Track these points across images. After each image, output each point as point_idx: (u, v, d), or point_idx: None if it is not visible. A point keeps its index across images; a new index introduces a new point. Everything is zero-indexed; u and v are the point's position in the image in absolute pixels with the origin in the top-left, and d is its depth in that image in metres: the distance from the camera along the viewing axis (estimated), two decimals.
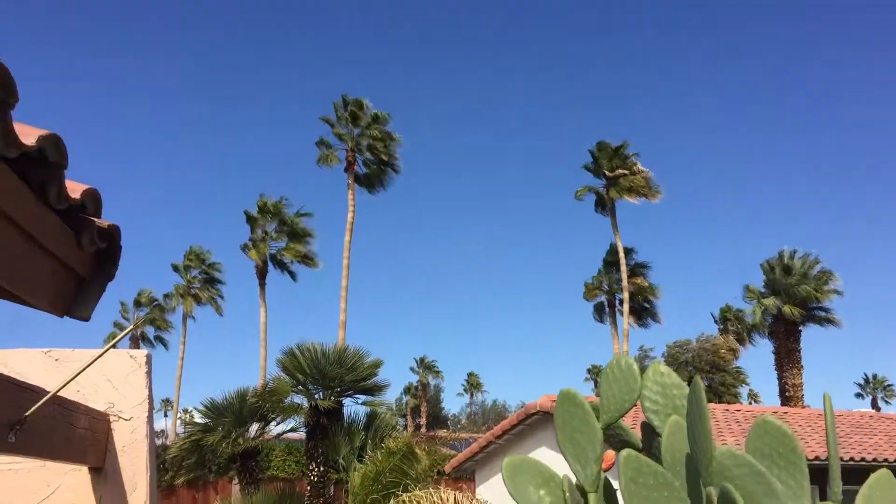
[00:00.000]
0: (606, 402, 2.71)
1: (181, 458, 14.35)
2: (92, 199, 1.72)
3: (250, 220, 36.74)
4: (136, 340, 42.56)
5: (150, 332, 43.58)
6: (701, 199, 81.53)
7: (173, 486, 21.11)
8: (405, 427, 61.86)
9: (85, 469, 4.78)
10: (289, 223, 35.95)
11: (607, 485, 2.93)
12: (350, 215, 34.77)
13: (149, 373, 5.06)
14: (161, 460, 19.04)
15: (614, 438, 3.06)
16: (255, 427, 14.20)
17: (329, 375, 12.99)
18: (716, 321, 46.45)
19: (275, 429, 14.58)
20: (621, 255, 37.22)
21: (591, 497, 2.66)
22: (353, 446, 12.74)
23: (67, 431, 3.97)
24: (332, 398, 13.23)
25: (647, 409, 2.77)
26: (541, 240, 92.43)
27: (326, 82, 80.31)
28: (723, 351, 42.54)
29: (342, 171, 35.56)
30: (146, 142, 77.40)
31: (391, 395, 73.30)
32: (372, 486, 11.18)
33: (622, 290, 37.31)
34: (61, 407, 3.90)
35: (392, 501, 10.49)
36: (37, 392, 3.38)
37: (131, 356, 5.02)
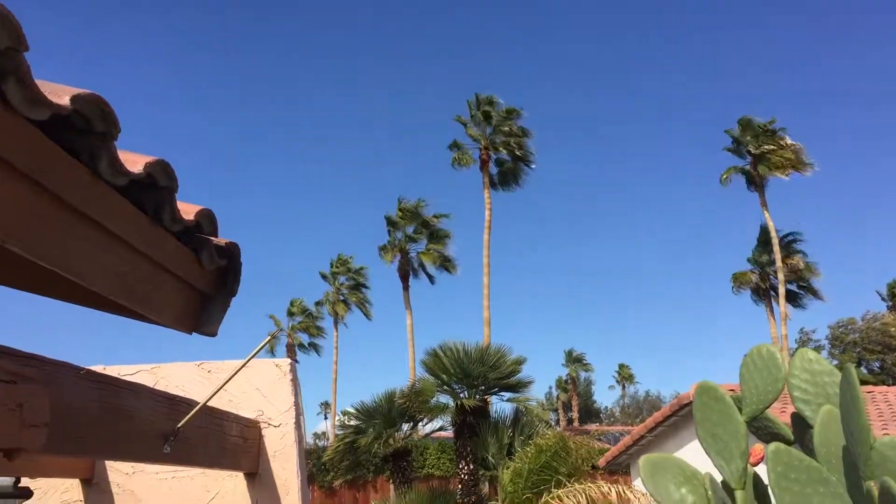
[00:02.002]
0: (748, 393, 2.55)
1: (338, 460, 14.87)
2: (207, 219, 1.78)
3: (390, 223, 37.57)
4: (293, 348, 44.63)
5: (305, 339, 45.65)
6: (856, 168, 76.26)
7: (333, 487, 21.92)
8: (557, 422, 61.49)
9: (241, 475, 5.03)
10: (428, 225, 36.49)
11: (757, 481, 2.76)
12: (487, 213, 34.89)
13: (294, 380, 5.25)
14: (321, 462, 19.85)
15: (763, 431, 2.89)
16: (405, 427, 14.55)
17: (472, 374, 13.10)
18: (883, 298, 43.33)
19: (424, 428, 14.84)
20: (773, 234, 35.35)
21: (738, 494, 2.52)
22: (501, 443, 12.78)
23: (220, 440, 4.18)
24: (477, 397, 13.33)
25: (797, 398, 2.59)
26: (688, 225, 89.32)
27: (453, 79, 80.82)
28: (893, 329, 39.58)
29: (477, 170, 35.71)
30: (283, 151, 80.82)
31: (540, 391, 73.12)
32: (523, 483, 11.16)
33: (776, 272, 35.42)
34: (212, 417, 4.11)
35: (545, 497, 10.45)
36: (188, 404, 3.57)
37: (277, 365, 5.23)
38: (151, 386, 5.29)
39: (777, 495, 2.29)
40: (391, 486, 14.71)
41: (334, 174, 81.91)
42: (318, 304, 45.24)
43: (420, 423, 14.67)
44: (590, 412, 67.95)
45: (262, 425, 5.12)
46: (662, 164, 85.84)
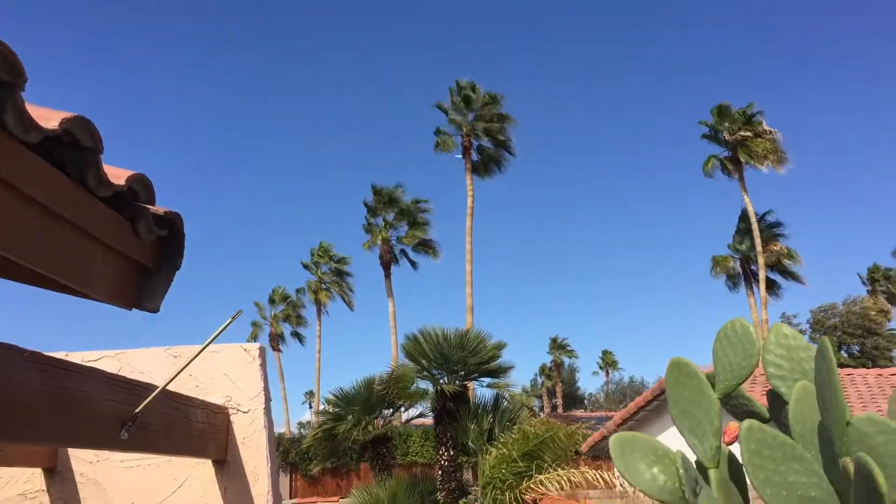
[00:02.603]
0: (722, 369, 2.48)
1: (317, 447, 14.78)
2: (141, 185, 1.67)
3: (369, 209, 37.48)
4: (275, 338, 44.51)
5: (287, 328, 45.49)
6: (836, 156, 76.77)
7: (314, 475, 21.80)
8: (541, 408, 61.71)
9: (209, 462, 4.92)
10: (408, 211, 36.42)
11: (731, 459, 2.70)
12: (470, 200, 34.88)
13: (263, 365, 5.14)
14: (303, 450, 19.76)
15: (738, 409, 2.83)
16: (385, 414, 14.48)
17: (452, 360, 13.04)
18: (864, 282, 43.75)
19: (405, 415, 14.77)
20: (753, 219, 35.51)
21: (712, 473, 2.45)
22: (481, 429, 12.75)
23: (184, 426, 4.07)
24: (457, 382, 13.26)
25: (772, 374, 2.52)
26: (671, 213, 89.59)
27: (434, 67, 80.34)
28: (873, 313, 39.99)
29: (459, 156, 35.63)
30: (264, 142, 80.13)
31: (525, 378, 73.41)
32: (507, 469, 11.14)
33: (757, 257, 35.61)
34: (176, 402, 4.00)
35: (526, 482, 10.43)
36: (149, 389, 3.45)
37: (245, 350, 5.12)
38: (115, 372, 5.17)
39: (751, 473, 2.22)
40: (372, 474, 14.64)
41: (318, 163, 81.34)
42: (298, 291, 45.12)
43: (401, 410, 14.61)
44: (574, 399, 68.28)
45: (231, 411, 5.01)
46: (647, 151, 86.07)
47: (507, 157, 35.66)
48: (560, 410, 56.83)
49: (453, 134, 35.76)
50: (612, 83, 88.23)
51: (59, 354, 5.18)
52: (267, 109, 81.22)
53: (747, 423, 2.26)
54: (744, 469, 2.48)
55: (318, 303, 43.74)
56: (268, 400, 5.13)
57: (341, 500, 14.34)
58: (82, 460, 5.03)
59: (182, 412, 4.06)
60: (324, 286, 43.78)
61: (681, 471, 2.20)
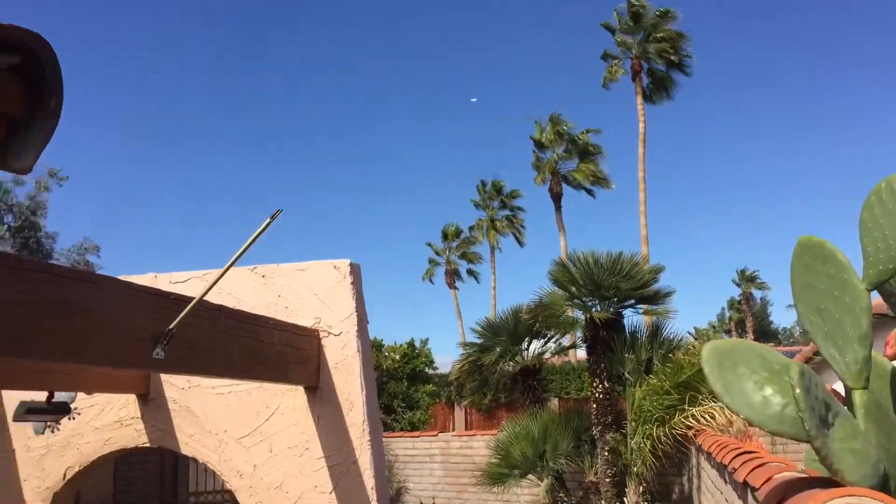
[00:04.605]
0: (873, 247, 1.74)
1: (464, 379, 14.62)
2: None
3: (537, 144, 36.73)
4: (451, 275, 45.14)
5: (463, 266, 45.93)
6: None
7: (489, 408, 21.85)
8: None
9: (300, 389, 4.64)
10: (577, 142, 35.32)
11: (894, 378, 1.97)
12: (641, 126, 33.27)
13: (355, 283, 4.76)
14: (450, 382, 19.78)
15: None
16: (534, 345, 14.04)
17: (604, 285, 12.29)
18: None
19: (554, 346, 14.25)
20: None
21: (858, 396, 1.74)
22: (638, 359, 12.03)
23: (251, 347, 3.75)
24: (611, 309, 12.55)
25: None
26: (857, 127, 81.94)
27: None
28: None
29: (629, 81, 33.98)
30: (427, 77, 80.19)
31: (712, 312, 70.90)
32: (658, 401, 10.42)
33: None
34: (239, 321, 3.67)
35: (677, 417, 9.69)
36: (190, 302, 3.09)
37: (335, 266, 4.75)
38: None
39: None
40: (522, 406, 14.30)
41: (478, 96, 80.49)
42: (471, 228, 45.29)
43: (551, 340, 14.11)
44: (766, 333, 65.24)
45: (322, 334, 4.68)
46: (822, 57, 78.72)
47: (681, 78, 33.62)
48: None
49: (621, 57, 34.12)
50: None
51: (147, 276, 5.04)
52: (416, 48, 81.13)
53: None
54: None
55: (491, 240, 43.83)
56: (362, 322, 4.75)
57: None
58: (174, 386, 4.90)
59: (249, 332, 3.73)
60: (495, 223, 43.71)
61: (797, 390, 1.52)
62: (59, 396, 4.65)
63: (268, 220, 2.95)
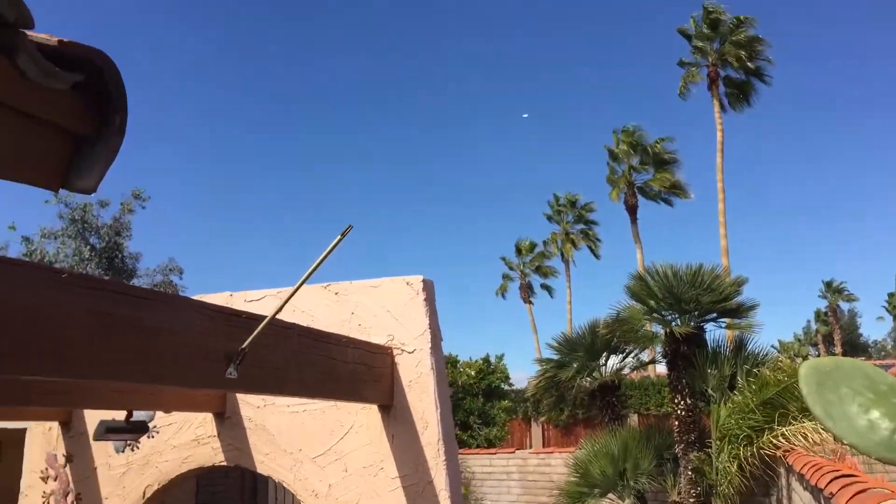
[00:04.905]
0: None
1: (541, 396, 14.41)
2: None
3: (612, 154, 36.40)
4: (525, 289, 44.97)
5: (537, 280, 45.66)
6: None
7: (567, 424, 21.56)
8: (818, 356, 57.52)
9: (375, 408, 4.60)
10: (652, 152, 34.84)
11: None
12: (719, 134, 32.73)
13: (428, 300, 4.71)
14: (527, 398, 19.55)
15: None
16: (612, 360, 13.76)
17: (684, 299, 11.96)
18: None
19: (632, 361, 13.93)
20: None
21: None
22: (722, 375, 11.64)
23: (325, 366, 3.72)
24: (692, 323, 12.20)
25: None
26: None
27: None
28: None
29: (705, 89, 33.46)
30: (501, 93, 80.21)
31: (797, 324, 68.68)
32: (743, 419, 10.05)
33: None
34: (312, 339, 3.66)
35: (766, 436, 9.31)
36: (263, 321, 3.08)
37: (408, 283, 4.71)
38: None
39: None
40: (601, 424, 14.00)
41: (549, 111, 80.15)
42: (545, 242, 45.04)
43: (630, 355, 13.81)
44: (855, 346, 62.91)
45: (395, 352, 4.64)
46: None
47: (759, 86, 32.85)
48: None
49: (698, 64, 33.59)
50: None
51: (223, 294, 5.09)
52: (484, 61, 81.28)
53: None
54: None
55: (565, 253, 43.53)
56: (435, 338, 4.69)
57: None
58: (250, 405, 4.93)
59: (321, 351, 3.71)
60: (569, 236, 43.38)
61: None
62: (138, 416, 4.73)
63: (338, 236, 2.92)
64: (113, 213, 23.81)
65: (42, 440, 5.48)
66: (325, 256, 2.97)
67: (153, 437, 4.97)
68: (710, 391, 11.82)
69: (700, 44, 33.28)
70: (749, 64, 32.06)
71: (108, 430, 4.28)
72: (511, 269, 45.87)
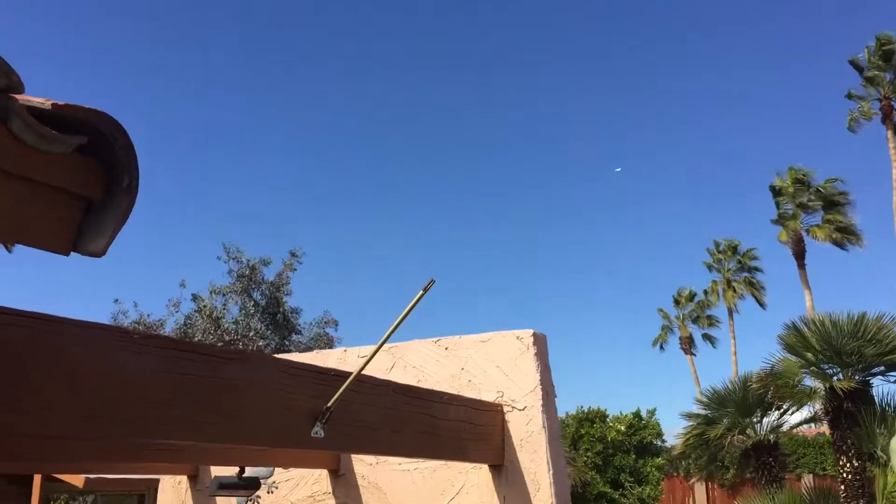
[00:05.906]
0: None
1: (688, 454, 13.68)
2: None
3: (777, 194, 34.81)
4: (685, 341, 43.44)
5: (697, 331, 43.97)
6: None
7: (733, 483, 20.46)
8: None
9: (485, 467, 4.47)
10: (821, 192, 33.04)
11: None
12: (894, 172, 30.67)
13: (539, 354, 4.57)
14: (674, 456, 18.66)
15: None
16: (770, 417, 12.89)
17: (845, 351, 11.09)
18: None
19: (791, 419, 13.03)
20: None
21: None
22: (891, 434, 10.64)
23: (424, 423, 3.66)
24: (856, 378, 11.28)
25: None
26: None
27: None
28: None
29: (877, 123, 31.64)
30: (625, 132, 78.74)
31: None
32: None
33: None
34: (408, 396, 3.61)
35: None
36: (345, 377, 3.07)
37: (518, 337, 4.60)
38: (389, 367, 4.99)
39: None
40: (757, 486, 13.10)
41: (697, 151, 77.86)
42: (706, 292, 43.34)
43: (788, 412, 12.89)
44: None
45: (505, 409, 4.51)
46: None
47: None
48: None
49: (868, 98, 31.80)
50: None
51: (337, 350, 5.15)
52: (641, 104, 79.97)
53: None
54: None
55: (728, 302, 41.68)
56: (547, 395, 4.54)
57: None
58: (363, 463, 4.92)
59: (419, 408, 3.65)
60: (732, 284, 41.56)
61: None
62: (258, 471, 4.82)
63: (420, 291, 2.88)
64: (276, 270, 24.79)
65: (172, 493, 5.69)
66: (407, 313, 2.94)
67: (272, 492, 5.05)
68: (878, 452, 10.83)
69: (871, 74, 31.44)
70: None
71: (220, 486, 4.38)
72: (667, 319, 44.34)
